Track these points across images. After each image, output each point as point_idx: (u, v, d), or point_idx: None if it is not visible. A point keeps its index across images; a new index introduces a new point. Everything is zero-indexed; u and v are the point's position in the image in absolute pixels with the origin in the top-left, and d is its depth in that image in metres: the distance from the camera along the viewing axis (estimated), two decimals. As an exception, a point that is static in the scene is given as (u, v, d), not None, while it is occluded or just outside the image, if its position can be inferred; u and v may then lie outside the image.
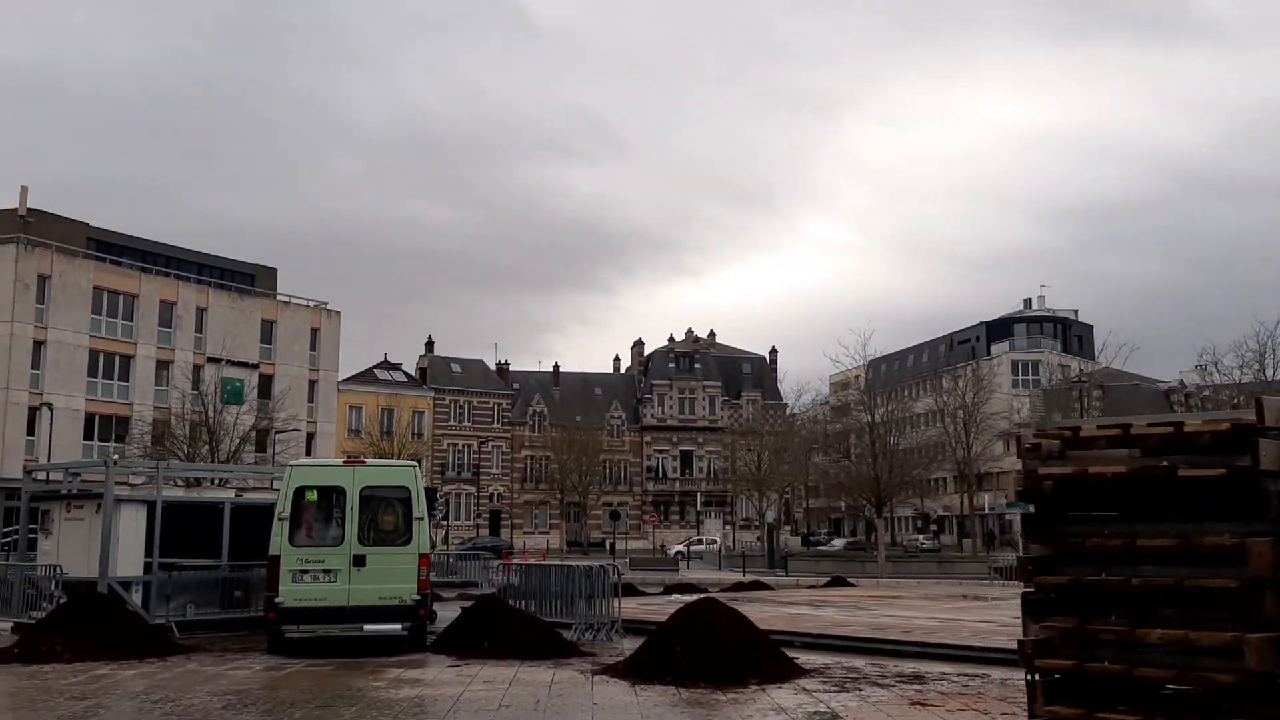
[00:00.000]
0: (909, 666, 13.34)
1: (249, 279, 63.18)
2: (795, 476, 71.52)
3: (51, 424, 45.43)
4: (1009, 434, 67.61)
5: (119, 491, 17.45)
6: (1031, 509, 6.12)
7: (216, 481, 27.82)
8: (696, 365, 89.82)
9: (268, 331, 59.41)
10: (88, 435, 50.03)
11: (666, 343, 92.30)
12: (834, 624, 18.64)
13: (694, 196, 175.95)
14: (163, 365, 53.78)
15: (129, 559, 16.53)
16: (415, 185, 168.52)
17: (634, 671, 12.24)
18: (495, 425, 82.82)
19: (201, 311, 56.33)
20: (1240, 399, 43.27)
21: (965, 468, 62.71)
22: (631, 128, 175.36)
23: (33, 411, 47.82)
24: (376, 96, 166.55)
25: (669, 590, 29.27)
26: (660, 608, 19.38)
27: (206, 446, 43.80)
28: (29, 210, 54.13)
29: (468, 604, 17.73)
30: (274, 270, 67.20)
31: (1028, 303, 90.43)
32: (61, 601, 15.63)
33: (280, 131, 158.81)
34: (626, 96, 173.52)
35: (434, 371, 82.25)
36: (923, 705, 10.40)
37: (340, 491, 14.75)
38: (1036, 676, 5.70)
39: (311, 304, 63.16)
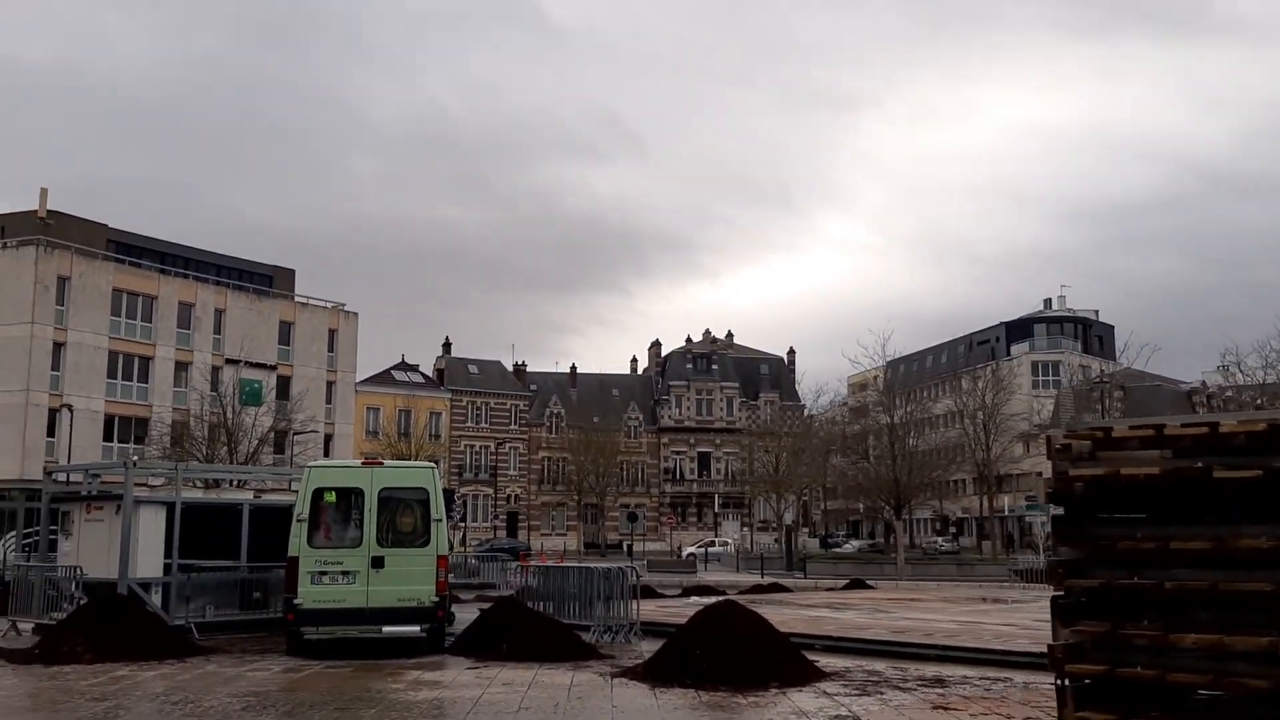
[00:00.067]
0: (930, 670, 13.21)
1: (267, 280, 63.45)
2: (813, 478, 71.30)
3: (71, 425, 45.69)
4: (1029, 435, 67.32)
5: (138, 493, 17.50)
6: (1055, 510, 6.02)
7: (235, 483, 27.89)
8: (714, 366, 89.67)
9: (286, 333, 59.65)
10: (107, 437, 50.32)
11: (684, 344, 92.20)
12: (854, 627, 18.50)
13: (712, 196, 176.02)
14: (181, 367, 54.05)
15: (149, 560, 16.55)
16: (433, 186, 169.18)
17: (653, 674, 12.16)
18: (512, 426, 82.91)
19: (220, 313, 56.60)
20: (1264, 399, 42.87)
21: (985, 469, 62.39)
22: (650, 127, 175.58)
23: (53, 413, 48.13)
24: (395, 96, 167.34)
25: (687, 592, 29.17)
26: (679, 610, 19.31)
27: (225, 448, 43.99)
28: (49, 212, 54.53)
29: (486, 606, 17.69)
30: (292, 271, 67.52)
31: (1048, 303, 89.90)
32: (82, 602, 15.66)
33: (299, 132, 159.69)
34: (645, 96, 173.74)
35: (451, 373, 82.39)
36: (945, 709, 10.28)
37: (359, 493, 14.72)
38: (1066, 681, 5.60)
39: (329, 305, 63.38)
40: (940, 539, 78.11)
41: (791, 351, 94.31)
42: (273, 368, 57.07)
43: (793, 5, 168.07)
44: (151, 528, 16.69)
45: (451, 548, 19.52)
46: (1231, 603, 5.09)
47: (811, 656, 13.38)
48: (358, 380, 66.94)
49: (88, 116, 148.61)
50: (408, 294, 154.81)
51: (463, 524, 71.97)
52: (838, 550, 69.06)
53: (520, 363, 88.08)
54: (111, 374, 51.39)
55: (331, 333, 62.51)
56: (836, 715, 9.96)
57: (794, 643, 13.58)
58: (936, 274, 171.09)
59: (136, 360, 52.71)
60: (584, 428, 79.43)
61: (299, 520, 14.40)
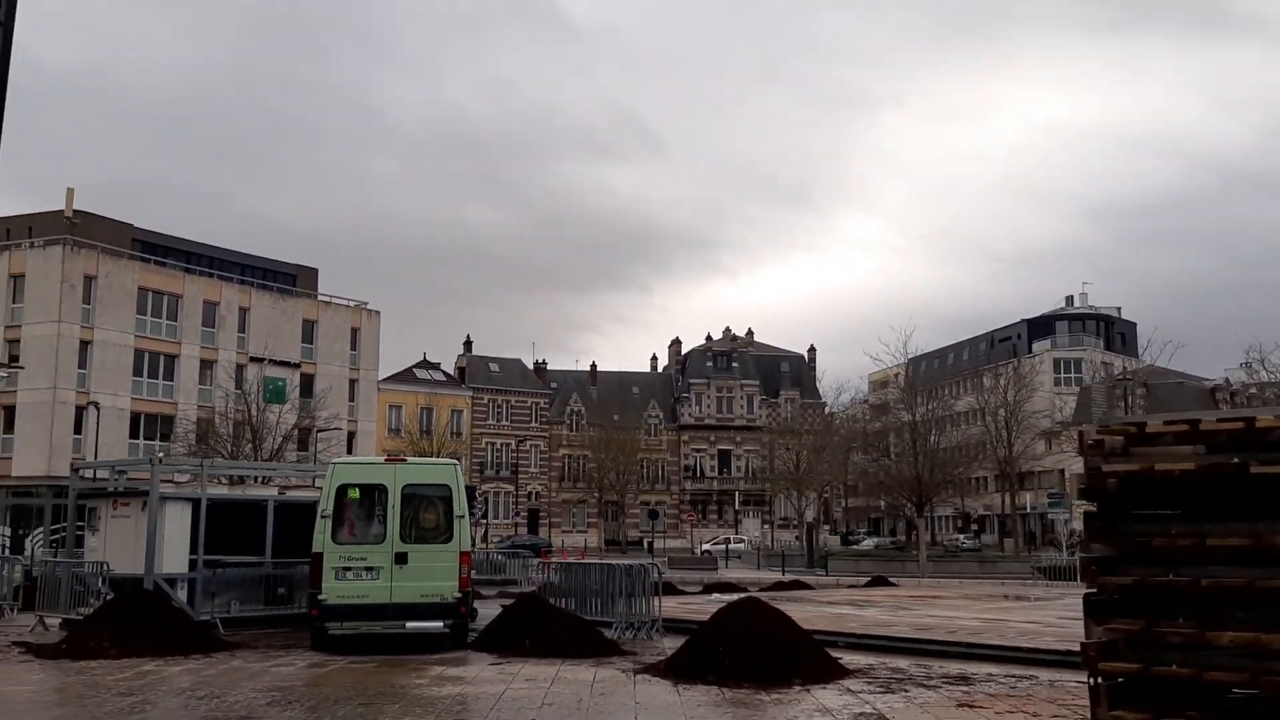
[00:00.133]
0: (954, 667, 13.11)
1: (290, 279, 63.78)
2: (834, 475, 71.06)
3: (98, 423, 46.05)
4: (1051, 433, 66.86)
5: (164, 489, 17.60)
6: (1087, 507, 5.94)
7: (260, 479, 28.02)
8: (734, 364, 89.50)
9: (309, 331, 59.94)
10: (133, 434, 50.69)
11: (704, 341, 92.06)
12: (877, 624, 18.41)
13: (731, 195, 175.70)
14: (206, 365, 54.37)
15: (174, 556, 16.66)
16: (454, 185, 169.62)
17: (676, 671, 12.12)
18: (533, 424, 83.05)
19: (244, 311, 56.91)
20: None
21: (1007, 467, 62.00)
22: (669, 126, 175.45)
23: (79, 411, 48.52)
24: (416, 97, 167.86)
25: (708, 589, 29.13)
26: (700, 607, 19.26)
27: (250, 445, 44.28)
28: (75, 212, 55.00)
29: (508, 602, 17.70)
30: (315, 270, 67.83)
31: (1069, 300, 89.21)
32: (108, 598, 15.79)
33: (321, 133, 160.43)
34: (665, 95, 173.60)
35: (472, 371, 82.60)
36: (971, 707, 10.19)
37: (382, 489, 14.76)
38: (1099, 680, 5.52)
39: (352, 304, 63.65)
40: (962, 536, 77.70)
41: (812, 349, 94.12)
42: (296, 366, 57.32)
43: (812, 4, 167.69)
44: (177, 524, 16.80)
45: (473, 545, 19.55)
46: (1269, 600, 5.01)
47: (835, 654, 13.30)
48: (380, 378, 67.20)
49: (114, 118, 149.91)
50: (429, 293, 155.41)
51: (484, 521, 72.18)
52: (853, 547, 68.77)
53: (541, 361, 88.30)
54: (137, 372, 51.78)
55: (354, 331, 62.78)
56: (861, 713, 9.90)
57: (817, 640, 13.50)
58: (957, 272, 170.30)
59: (162, 358, 53.07)
60: (604, 425, 79.48)
61: (323, 516, 14.45)
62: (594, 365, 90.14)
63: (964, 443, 66.93)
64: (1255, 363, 48.80)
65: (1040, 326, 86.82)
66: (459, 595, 14.58)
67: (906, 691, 11.21)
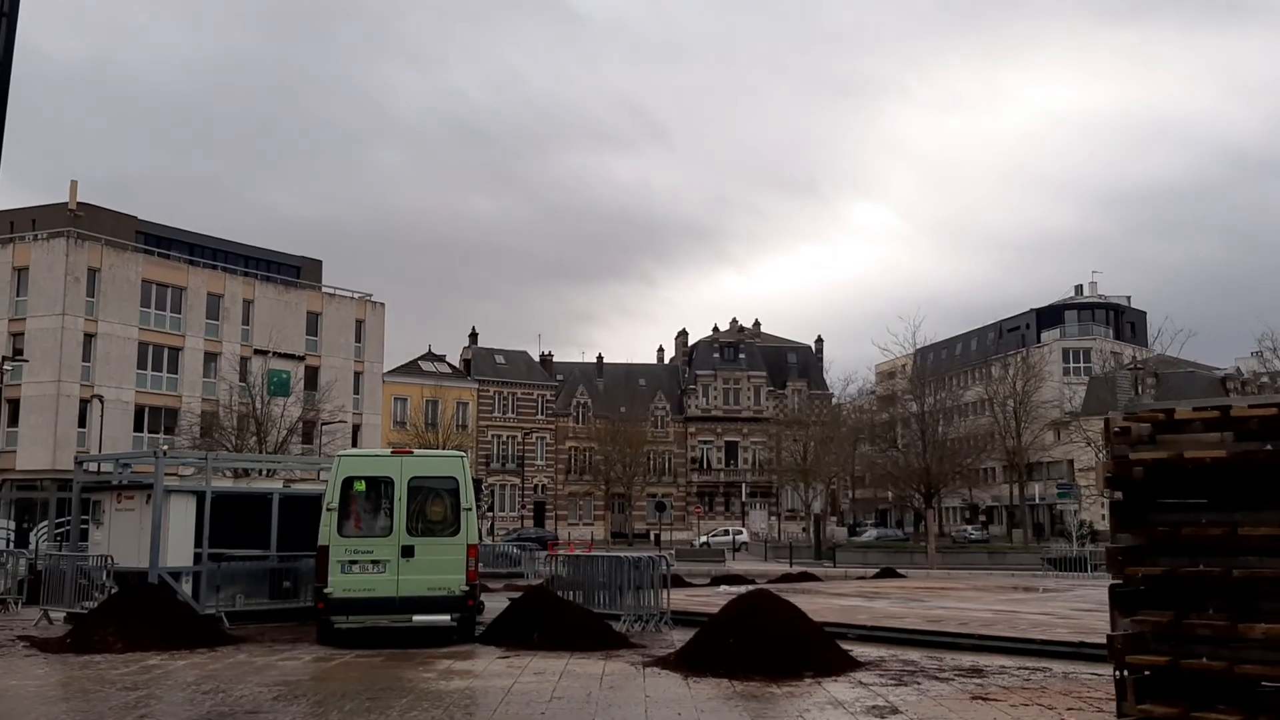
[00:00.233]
0: (967, 660, 12.99)
1: (295, 271, 63.76)
2: (842, 467, 70.89)
3: (102, 416, 46.06)
4: (1060, 423, 66.62)
5: (169, 482, 17.51)
6: (1114, 495, 5.77)
7: (264, 472, 27.94)
8: (741, 355, 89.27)
9: (313, 324, 59.90)
10: (137, 427, 50.72)
11: (711, 333, 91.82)
12: (887, 616, 18.28)
13: (737, 185, 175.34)
14: (210, 357, 54.37)
15: (179, 549, 16.58)
16: (459, 177, 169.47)
17: (686, 663, 12.01)
18: (539, 416, 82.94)
19: (248, 304, 56.88)
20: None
21: (1015, 457, 61.82)
22: (675, 116, 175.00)
23: (84, 404, 48.55)
24: (421, 88, 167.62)
25: (716, 581, 29.00)
26: (709, 599, 19.15)
27: (254, 437, 44.25)
28: (79, 204, 55.00)
29: (515, 595, 17.59)
30: (319, 263, 67.81)
31: (1079, 289, 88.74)
32: (113, 592, 15.70)
33: (326, 124, 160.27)
34: (670, 85, 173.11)
35: (478, 363, 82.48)
36: (984, 700, 10.06)
37: (388, 482, 14.64)
38: (1126, 673, 5.36)
39: (356, 296, 63.58)
40: (970, 527, 77.49)
41: (819, 340, 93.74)
42: (301, 358, 57.31)
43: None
44: (182, 517, 16.72)
45: (480, 537, 19.44)
46: (1303, 591, 4.85)
47: (845, 646, 13.19)
48: (385, 371, 67.14)
49: (117, 110, 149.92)
50: (434, 284, 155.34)
51: (490, 513, 72.14)
52: (855, 539, 68.64)
53: (547, 353, 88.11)
54: (141, 365, 51.79)
55: (359, 323, 62.73)
56: (873, 705, 9.76)
57: (827, 632, 13.38)
58: (965, 261, 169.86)
59: (166, 351, 53.08)
60: (611, 417, 79.26)
61: (329, 509, 14.33)
62: (600, 357, 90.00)
63: (972, 433, 66.78)
64: (1267, 351, 48.64)
65: (1049, 316, 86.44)
66: (466, 588, 14.45)
67: (919, 684, 11.08)
